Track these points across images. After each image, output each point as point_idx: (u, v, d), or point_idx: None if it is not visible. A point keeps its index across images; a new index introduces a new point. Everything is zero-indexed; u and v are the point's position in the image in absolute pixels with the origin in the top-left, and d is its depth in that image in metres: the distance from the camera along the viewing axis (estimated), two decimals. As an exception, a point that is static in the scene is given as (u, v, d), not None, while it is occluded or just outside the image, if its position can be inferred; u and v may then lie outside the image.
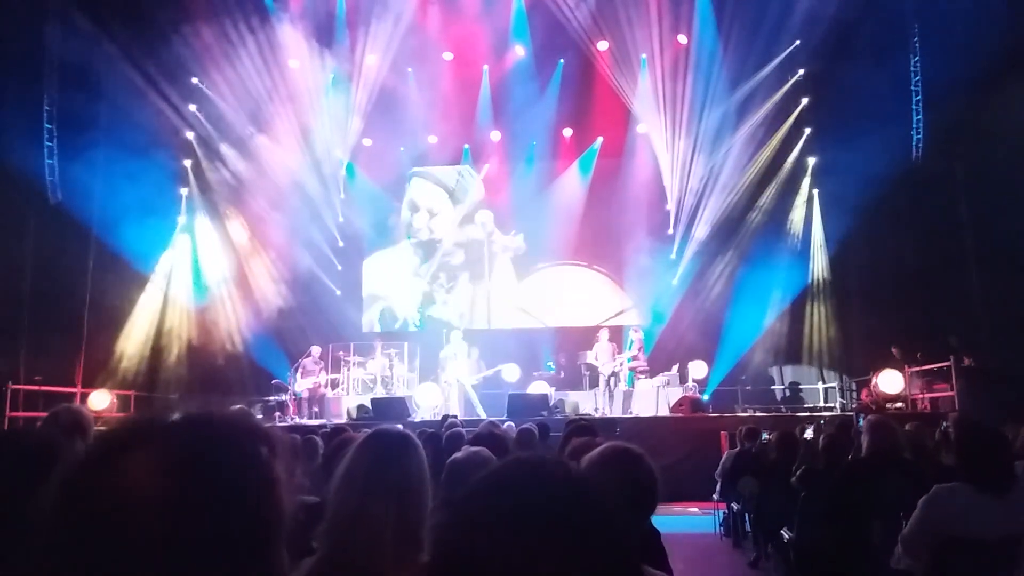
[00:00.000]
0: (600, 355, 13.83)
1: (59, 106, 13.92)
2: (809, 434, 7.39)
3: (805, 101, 15.46)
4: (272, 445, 0.82)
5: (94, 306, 14.35)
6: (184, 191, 16.36)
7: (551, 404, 12.51)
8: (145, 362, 15.13)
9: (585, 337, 15.04)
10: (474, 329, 16.00)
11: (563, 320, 16.70)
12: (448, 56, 16.28)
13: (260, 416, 13.24)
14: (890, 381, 12.36)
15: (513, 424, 7.88)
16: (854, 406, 13.08)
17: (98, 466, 0.76)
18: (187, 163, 16.22)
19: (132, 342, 15.08)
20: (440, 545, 0.76)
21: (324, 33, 15.77)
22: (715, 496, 8.17)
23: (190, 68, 15.23)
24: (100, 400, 13.12)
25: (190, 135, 15.97)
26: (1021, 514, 2.72)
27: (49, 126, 13.92)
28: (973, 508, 3.03)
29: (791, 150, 15.74)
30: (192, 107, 15.75)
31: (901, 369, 12.43)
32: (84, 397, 13.05)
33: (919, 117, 14.22)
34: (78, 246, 14.11)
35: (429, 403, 13.65)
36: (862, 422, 5.33)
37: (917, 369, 12.35)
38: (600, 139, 16.92)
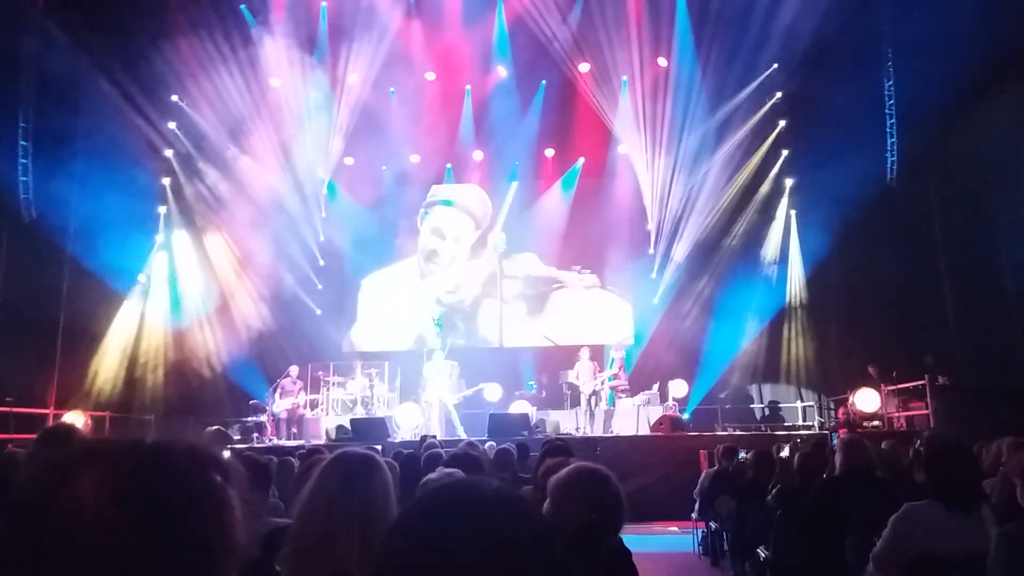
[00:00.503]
0: (581, 374, 13.84)
1: (35, 122, 13.78)
2: (785, 453, 7.42)
3: (783, 123, 15.70)
4: (225, 472, 0.84)
5: (68, 325, 14.13)
6: (162, 209, 16.25)
7: (532, 424, 12.48)
8: (121, 383, 14.92)
9: (567, 356, 15.05)
10: (456, 348, 15.90)
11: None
12: (431, 76, 16.37)
13: (238, 436, 13.12)
14: (867, 400, 12.46)
15: (494, 444, 7.85)
16: (831, 424, 13.17)
17: (46, 485, 0.77)
18: (165, 181, 16.13)
19: (108, 362, 14.87)
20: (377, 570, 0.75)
21: (306, 51, 15.80)
22: (694, 515, 8.16)
23: (169, 85, 15.21)
24: (74, 421, 12.91)
25: (169, 153, 15.90)
26: (987, 532, 2.74)
27: (24, 143, 13.76)
28: (941, 526, 3.05)
29: (769, 171, 15.94)
30: (171, 124, 15.69)
31: (877, 388, 12.54)
32: (57, 418, 12.82)
33: (893, 140, 14.48)
34: (53, 264, 13.90)
35: (409, 423, 13.57)
36: (836, 440, 5.36)
37: (893, 388, 12.46)
38: (582, 159, 17.05)
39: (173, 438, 0.84)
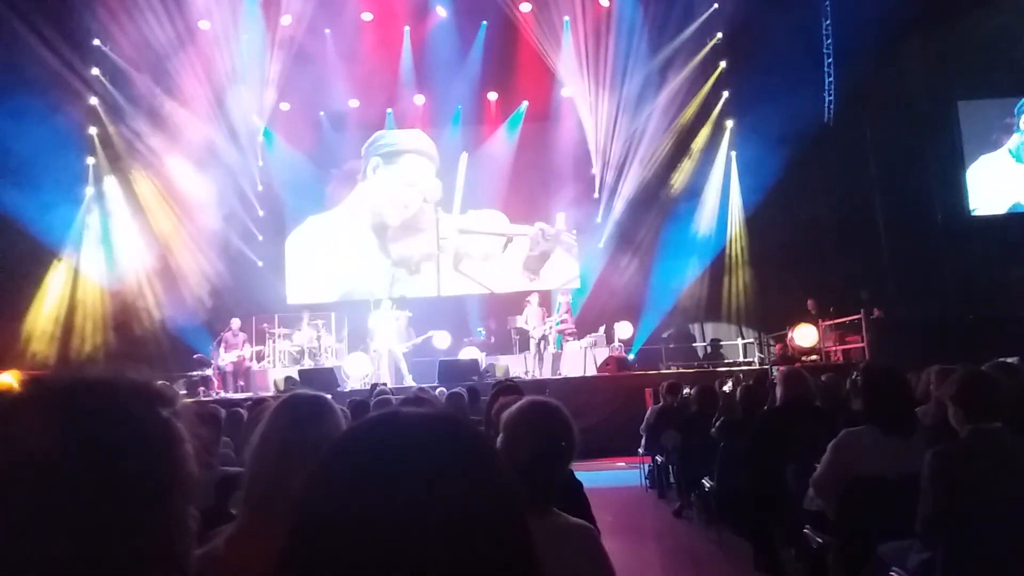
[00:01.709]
0: (530, 319, 13.97)
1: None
2: (728, 387, 7.64)
3: (723, 64, 15.71)
4: (172, 407, 0.82)
5: (-3, 283, 13.61)
6: (91, 160, 15.54)
7: (482, 369, 12.58)
8: (58, 340, 14.46)
9: (515, 302, 15.13)
10: (404, 297, 15.79)
11: (506, 286, 16.58)
12: (367, 16, 15.85)
13: (184, 391, 12.90)
14: (805, 335, 12.87)
15: (445, 390, 7.89)
16: (771, 360, 13.60)
17: None
18: (93, 131, 15.38)
19: (42, 320, 14.38)
20: (301, 511, 0.69)
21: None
22: (640, 450, 8.40)
23: (91, 29, 14.40)
24: (8, 382, 12.53)
25: (94, 101, 15.12)
26: (921, 454, 2.88)
27: (-65, 92, 12.95)
28: (878, 449, 3.20)
29: (710, 113, 16.00)
30: (95, 71, 14.92)
31: (815, 323, 12.96)
32: (-9, 378, 12.43)
33: (831, 79, 14.66)
34: (-25, 220, 13.31)
35: (359, 373, 13.54)
36: (776, 373, 5.54)
37: (830, 322, 12.89)
38: (525, 103, 16.82)
39: (115, 374, 0.80)
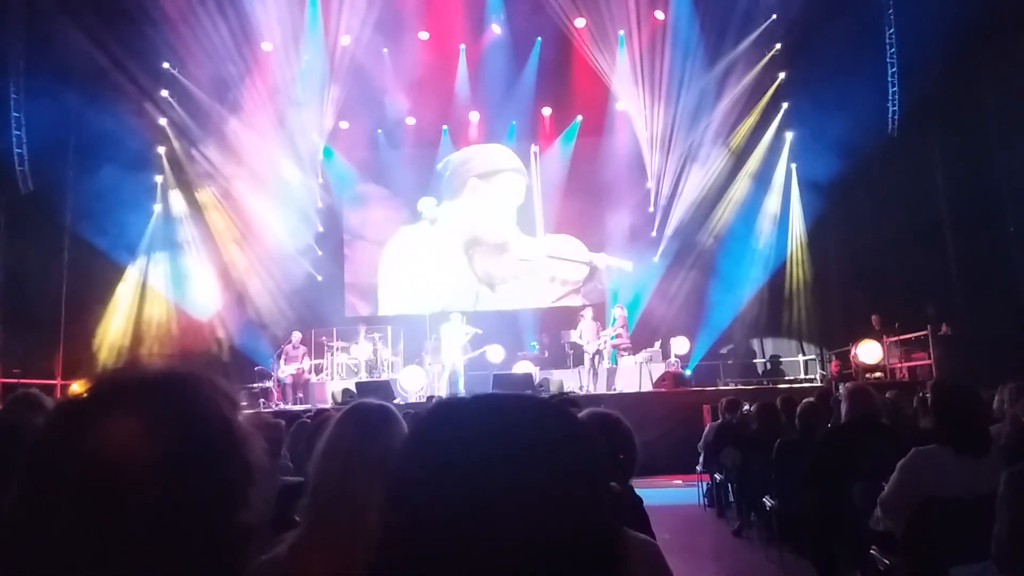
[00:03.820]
0: (584, 333, 13.89)
1: (27, 93, 13.61)
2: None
3: (782, 76, 15.47)
4: (237, 406, 0.82)
5: (71, 298, 14.15)
6: (159, 178, 16.12)
7: (536, 383, 12.55)
8: (125, 353, 14.97)
9: (568, 316, 15.10)
10: (462, 311, 15.90)
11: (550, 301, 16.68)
12: (424, 35, 16.12)
13: (245, 403, 13.13)
14: (869, 351, 12.50)
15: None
16: (827, 378, 13.21)
17: (75, 422, 0.73)
18: (161, 150, 15.97)
19: (112, 333, 14.92)
20: (397, 476, 0.70)
21: (297, 13, 15.52)
22: (698, 468, 8.26)
23: (161, 52, 14.98)
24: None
25: (163, 121, 15.70)
26: (995, 474, 2.77)
27: (17, 114, 13.60)
28: (950, 469, 3.08)
29: (769, 125, 15.75)
30: (164, 92, 15.50)
31: (879, 339, 12.57)
32: (64, 389, 12.92)
33: (895, 89, 14.28)
34: (51, 237, 13.91)
35: (414, 386, 13.65)
36: (841, 390, 5.39)
37: (895, 339, 12.49)
38: (580, 117, 16.85)
39: (192, 371, 0.81)
